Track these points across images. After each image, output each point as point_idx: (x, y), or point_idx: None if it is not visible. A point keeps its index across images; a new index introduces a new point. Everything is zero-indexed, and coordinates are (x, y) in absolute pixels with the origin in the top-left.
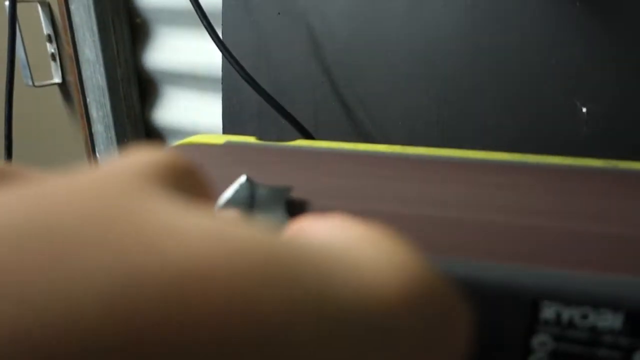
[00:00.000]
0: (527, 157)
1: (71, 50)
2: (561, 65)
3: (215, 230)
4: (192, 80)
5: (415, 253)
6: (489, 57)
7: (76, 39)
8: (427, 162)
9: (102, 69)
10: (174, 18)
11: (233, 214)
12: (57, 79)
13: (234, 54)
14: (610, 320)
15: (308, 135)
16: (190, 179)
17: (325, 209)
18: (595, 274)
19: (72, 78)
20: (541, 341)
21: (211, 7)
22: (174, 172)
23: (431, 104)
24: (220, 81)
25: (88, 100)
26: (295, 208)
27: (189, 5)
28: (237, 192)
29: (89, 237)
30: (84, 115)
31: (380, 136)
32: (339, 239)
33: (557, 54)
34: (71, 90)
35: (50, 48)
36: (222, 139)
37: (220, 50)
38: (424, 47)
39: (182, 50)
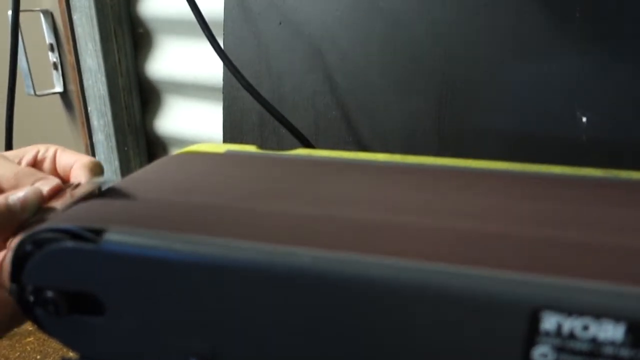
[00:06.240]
0: (527, 166)
1: (73, 60)
2: (561, 74)
3: None
4: (193, 89)
5: None
6: (489, 66)
7: (78, 48)
8: (426, 170)
9: (103, 78)
10: (175, 28)
11: None
12: (59, 88)
13: (235, 63)
14: (611, 332)
15: (308, 144)
16: None
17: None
18: (596, 284)
19: (73, 87)
20: (542, 352)
21: (213, 17)
22: None
23: (431, 113)
24: (221, 90)
25: (89, 109)
26: None
27: (191, 15)
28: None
29: None
30: (85, 124)
31: (380, 145)
32: None
33: (557, 63)
34: (72, 99)
35: (52, 57)
36: (222, 147)
37: (222, 60)
38: (423, 56)
39: (184, 59)
